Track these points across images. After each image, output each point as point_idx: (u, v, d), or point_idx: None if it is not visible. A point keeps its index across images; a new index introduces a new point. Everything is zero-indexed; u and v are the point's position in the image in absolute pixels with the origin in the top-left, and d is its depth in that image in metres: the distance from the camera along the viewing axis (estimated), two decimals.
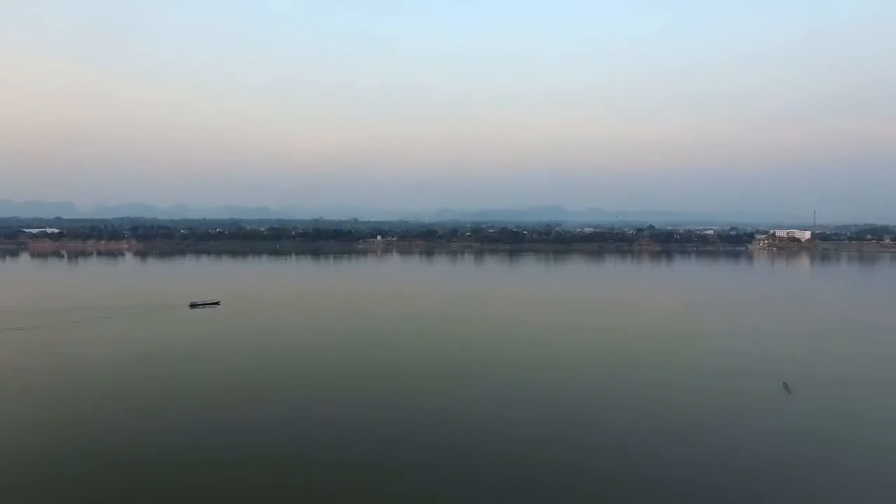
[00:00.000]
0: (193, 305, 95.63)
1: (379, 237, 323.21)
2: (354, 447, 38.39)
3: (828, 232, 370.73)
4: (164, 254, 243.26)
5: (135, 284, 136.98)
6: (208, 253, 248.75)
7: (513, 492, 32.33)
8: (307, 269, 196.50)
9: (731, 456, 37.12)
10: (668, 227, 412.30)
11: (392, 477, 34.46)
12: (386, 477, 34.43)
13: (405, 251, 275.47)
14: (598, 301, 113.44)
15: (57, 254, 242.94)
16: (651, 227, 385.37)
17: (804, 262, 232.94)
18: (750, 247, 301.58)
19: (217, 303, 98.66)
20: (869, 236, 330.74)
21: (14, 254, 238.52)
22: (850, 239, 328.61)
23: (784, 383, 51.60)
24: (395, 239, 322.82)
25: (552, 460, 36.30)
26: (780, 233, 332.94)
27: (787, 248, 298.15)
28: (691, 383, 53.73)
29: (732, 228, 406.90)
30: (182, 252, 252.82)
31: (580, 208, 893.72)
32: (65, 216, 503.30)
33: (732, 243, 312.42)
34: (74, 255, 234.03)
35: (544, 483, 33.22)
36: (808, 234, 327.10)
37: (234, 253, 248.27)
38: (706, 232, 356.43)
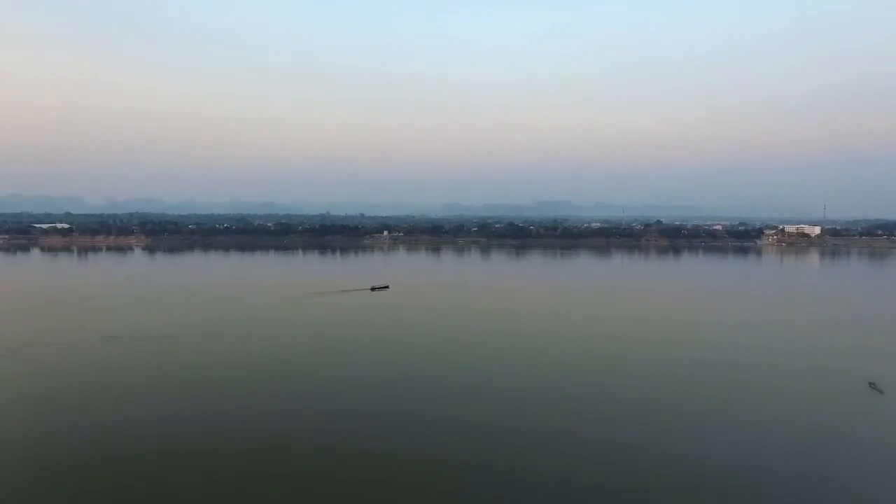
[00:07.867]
0: (373, 289, 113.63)
1: (385, 232, 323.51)
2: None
3: (838, 227, 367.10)
4: (173, 249, 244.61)
5: (296, 276, 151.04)
6: (215, 248, 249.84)
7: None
8: (435, 260, 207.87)
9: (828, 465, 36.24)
10: (676, 223, 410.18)
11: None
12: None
13: (411, 246, 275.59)
14: (647, 296, 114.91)
15: (68, 249, 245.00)
16: (659, 222, 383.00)
17: (814, 257, 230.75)
18: (759, 242, 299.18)
19: (387, 286, 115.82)
20: (880, 231, 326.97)
21: (25, 249, 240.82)
22: (861, 234, 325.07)
23: (870, 383, 50.36)
24: (401, 234, 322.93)
25: (647, 465, 36.15)
26: (790, 228, 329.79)
27: (796, 243, 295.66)
28: (774, 383, 52.84)
29: (741, 223, 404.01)
30: (190, 247, 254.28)
31: (589, 203, 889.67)
32: (74, 210, 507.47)
33: (741, 238, 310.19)
34: (84, 251, 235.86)
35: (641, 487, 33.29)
36: (817, 230, 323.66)
37: (241, 248, 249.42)
38: (714, 227, 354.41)
